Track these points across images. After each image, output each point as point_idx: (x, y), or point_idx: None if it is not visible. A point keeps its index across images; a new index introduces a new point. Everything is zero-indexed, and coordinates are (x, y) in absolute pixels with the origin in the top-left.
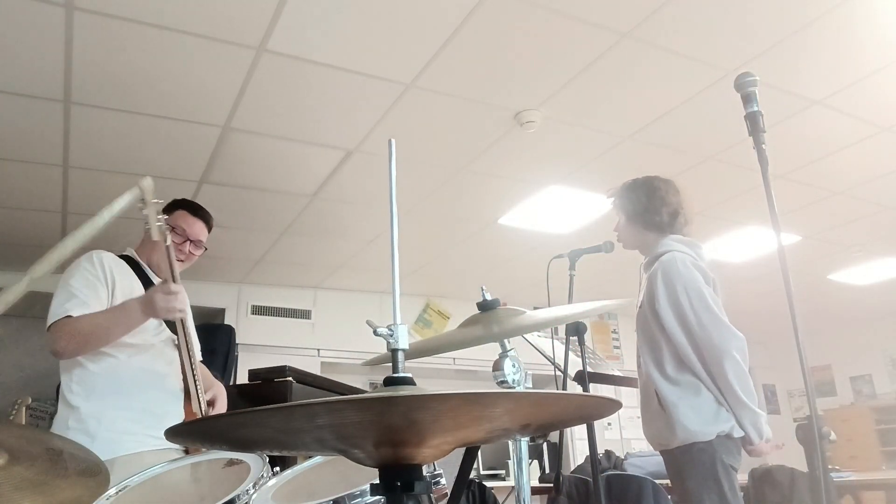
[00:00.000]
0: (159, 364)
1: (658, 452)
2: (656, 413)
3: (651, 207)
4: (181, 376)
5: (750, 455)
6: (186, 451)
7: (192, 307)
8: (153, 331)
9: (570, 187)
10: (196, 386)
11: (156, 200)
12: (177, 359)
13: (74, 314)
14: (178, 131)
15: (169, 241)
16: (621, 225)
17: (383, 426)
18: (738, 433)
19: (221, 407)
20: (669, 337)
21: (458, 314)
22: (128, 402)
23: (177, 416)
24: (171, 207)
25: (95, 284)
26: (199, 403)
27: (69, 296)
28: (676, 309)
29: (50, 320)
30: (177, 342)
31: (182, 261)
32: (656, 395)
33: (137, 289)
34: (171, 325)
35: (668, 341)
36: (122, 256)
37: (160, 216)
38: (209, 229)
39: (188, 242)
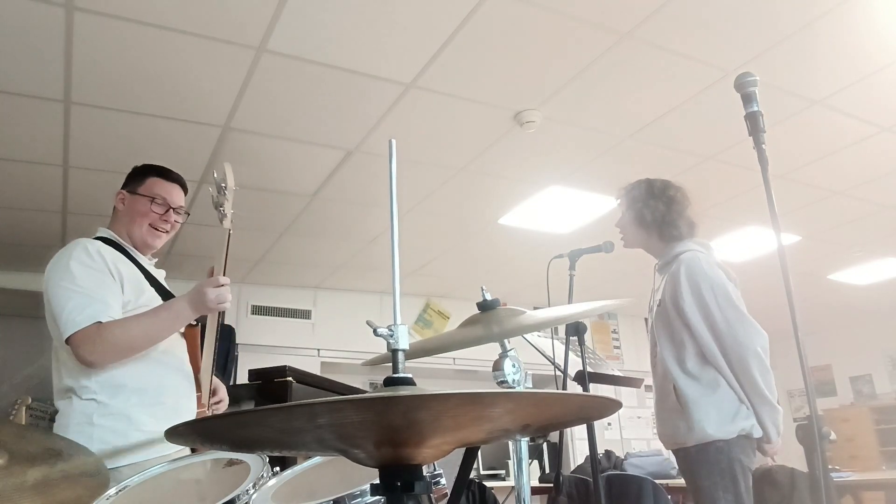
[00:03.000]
0: (178, 351)
1: (659, 452)
2: (673, 410)
3: (669, 220)
4: (210, 374)
5: (764, 454)
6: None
7: None
8: None
9: (570, 187)
10: (211, 377)
11: (235, 188)
12: (184, 345)
13: (103, 319)
14: (178, 131)
15: (231, 231)
16: (629, 227)
17: (383, 426)
18: (756, 433)
19: (223, 396)
20: (693, 333)
21: (458, 314)
22: (155, 399)
23: (193, 408)
24: (141, 174)
25: (105, 280)
26: (208, 397)
27: (86, 299)
28: (701, 305)
29: (71, 329)
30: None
31: (167, 231)
32: (675, 392)
33: (139, 278)
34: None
35: (691, 337)
36: (100, 239)
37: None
38: (185, 192)
39: (171, 211)
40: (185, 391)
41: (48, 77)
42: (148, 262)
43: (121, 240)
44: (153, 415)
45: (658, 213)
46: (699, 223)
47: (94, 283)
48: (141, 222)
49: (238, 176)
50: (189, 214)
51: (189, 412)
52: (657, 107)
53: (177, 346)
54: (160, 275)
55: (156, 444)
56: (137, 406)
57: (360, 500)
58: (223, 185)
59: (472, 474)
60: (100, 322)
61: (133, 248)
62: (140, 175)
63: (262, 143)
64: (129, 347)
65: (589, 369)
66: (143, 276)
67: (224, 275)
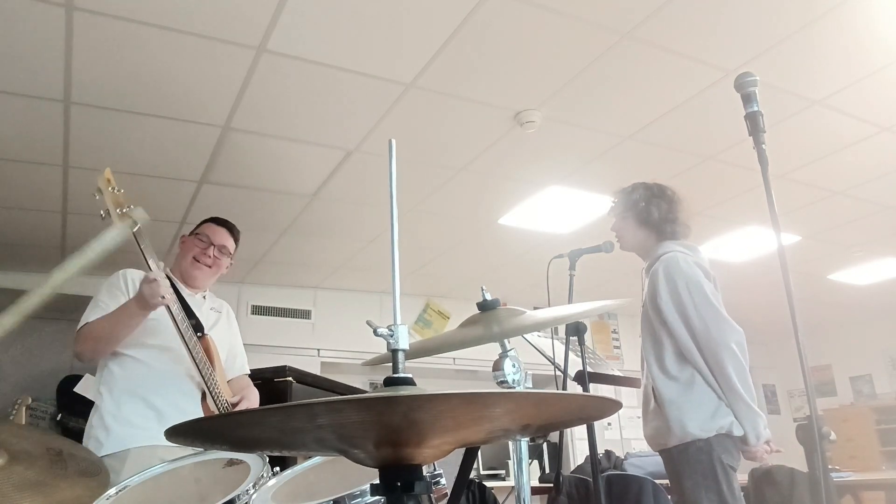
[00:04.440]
0: (179, 366)
1: (657, 452)
2: (654, 413)
3: (671, 217)
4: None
5: (745, 457)
6: None
7: None
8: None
9: (570, 187)
10: (207, 383)
11: (112, 189)
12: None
13: (91, 320)
14: (178, 131)
15: (136, 229)
16: (629, 228)
17: (383, 426)
18: (737, 431)
19: (246, 405)
20: (671, 331)
21: (458, 314)
22: (142, 399)
23: (193, 416)
24: (201, 223)
25: (118, 295)
26: (216, 402)
27: (94, 308)
28: (677, 303)
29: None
30: (194, 352)
31: (210, 266)
32: (653, 394)
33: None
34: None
35: (669, 335)
36: None
37: (129, 208)
38: (235, 239)
39: (212, 247)
40: (183, 402)
41: (48, 77)
42: (188, 294)
43: (172, 275)
44: (137, 411)
45: (662, 210)
46: (692, 225)
47: (106, 298)
48: (187, 256)
49: (238, 176)
50: (232, 256)
51: (183, 416)
52: (657, 107)
53: (185, 361)
54: (198, 303)
55: (136, 436)
56: (128, 404)
57: (360, 500)
58: (98, 189)
59: (472, 474)
60: (88, 322)
61: (179, 282)
62: (200, 223)
63: (262, 143)
64: (100, 337)
65: (589, 369)
66: None
67: (151, 270)
